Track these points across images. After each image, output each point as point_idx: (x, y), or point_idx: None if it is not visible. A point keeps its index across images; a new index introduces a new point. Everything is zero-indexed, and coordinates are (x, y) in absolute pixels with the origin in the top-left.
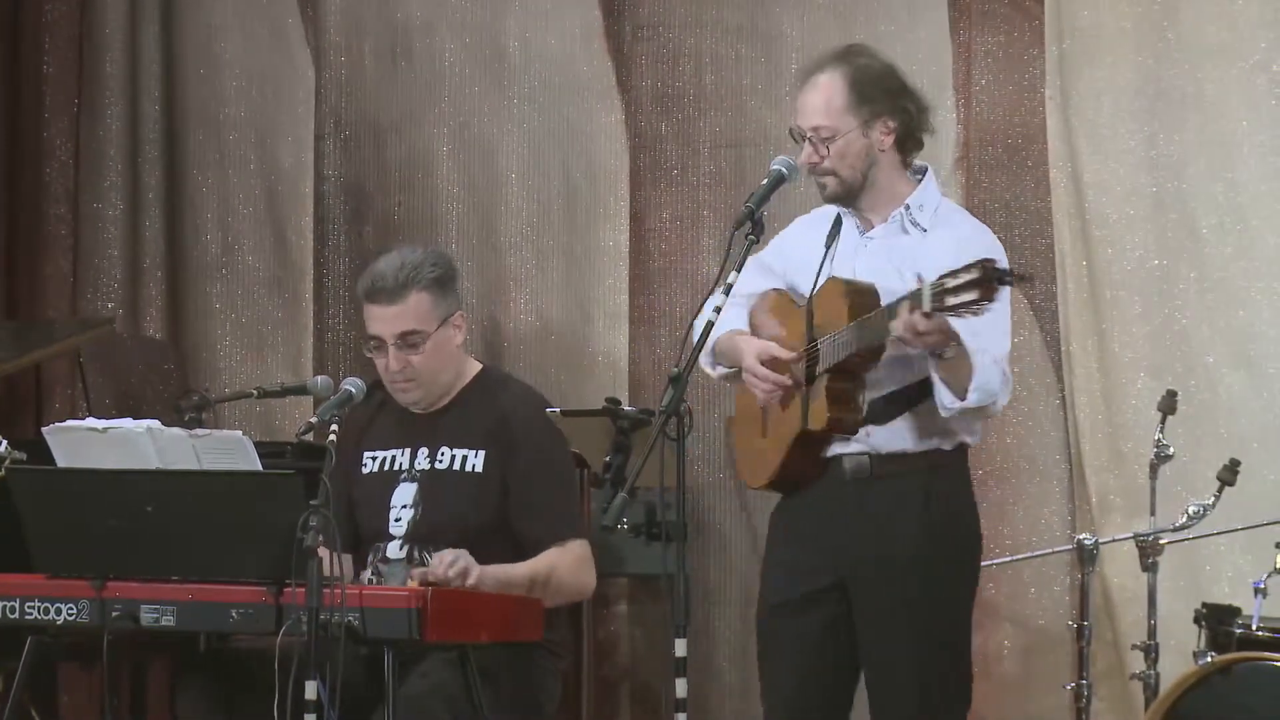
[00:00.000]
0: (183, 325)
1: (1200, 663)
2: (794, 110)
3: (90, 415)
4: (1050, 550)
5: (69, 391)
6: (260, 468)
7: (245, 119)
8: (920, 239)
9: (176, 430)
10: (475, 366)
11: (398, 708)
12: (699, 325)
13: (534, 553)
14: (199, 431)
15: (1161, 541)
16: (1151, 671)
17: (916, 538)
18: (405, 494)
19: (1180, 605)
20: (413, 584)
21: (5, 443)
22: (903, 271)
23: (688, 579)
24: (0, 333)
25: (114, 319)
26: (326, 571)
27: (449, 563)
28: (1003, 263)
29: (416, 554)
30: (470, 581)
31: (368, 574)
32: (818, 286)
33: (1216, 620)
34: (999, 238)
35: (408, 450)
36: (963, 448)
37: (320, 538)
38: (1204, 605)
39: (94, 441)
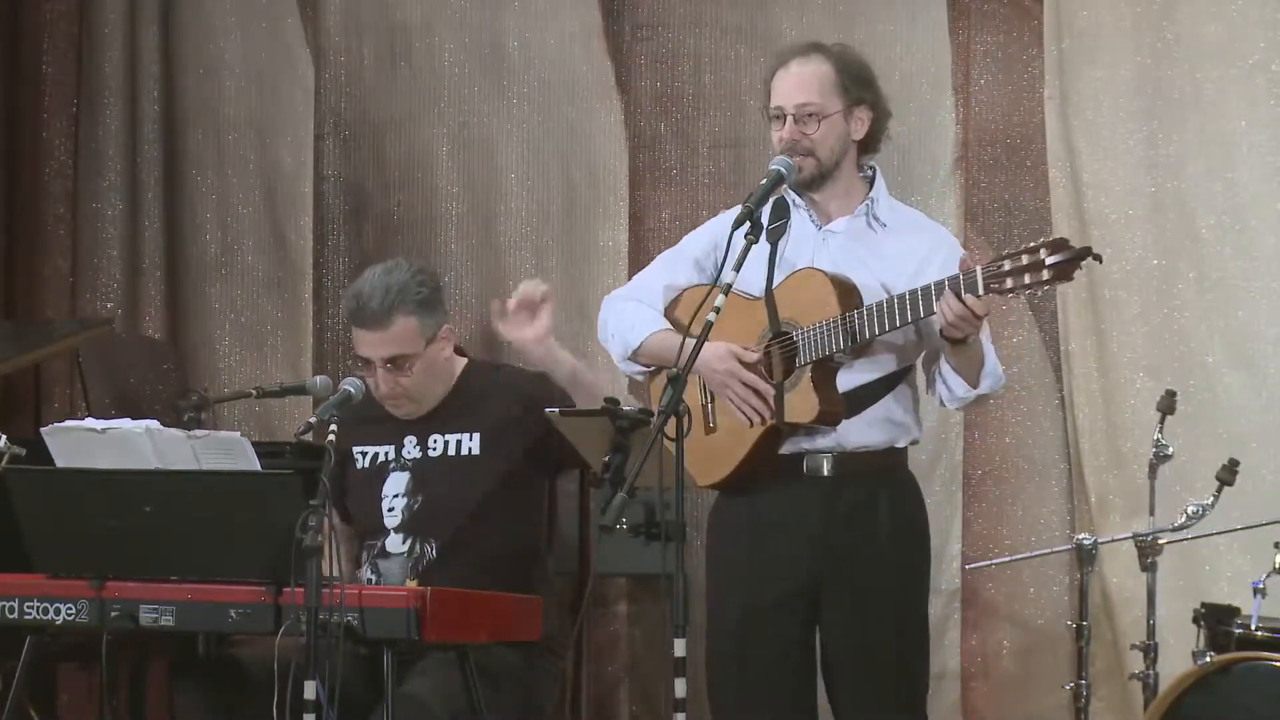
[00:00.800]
0: (182, 325)
1: (1199, 663)
2: (766, 92)
3: (89, 415)
4: (1049, 550)
5: (68, 392)
6: (259, 468)
7: (245, 119)
8: (883, 235)
9: (175, 430)
10: (461, 362)
11: (396, 708)
12: (698, 326)
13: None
14: (198, 432)
15: (1160, 541)
16: (1150, 671)
17: (886, 536)
18: (397, 483)
19: (1179, 605)
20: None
21: (4, 437)
22: (870, 267)
23: (687, 579)
24: None
25: (113, 319)
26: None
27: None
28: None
29: (419, 547)
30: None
31: (365, 573)
32: (779, 279)
33: (1215, 620)
34: (998, 238)
35: (394, 444)
36: (913, 444)
37: (319, 538)
38: (1203, 605)
39: (93, 442)
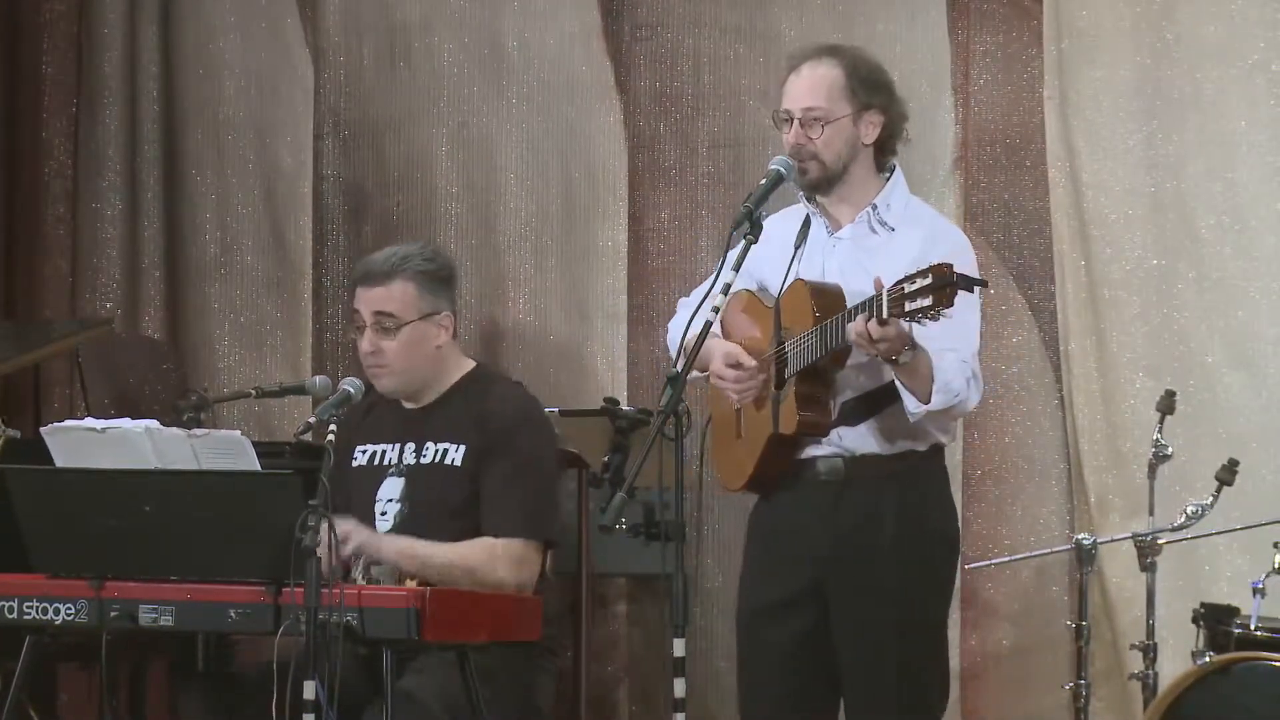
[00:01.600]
0: (181, 325)
1: (1199, 663)
2: (779, 95)
3: (89, 415)
4: (1049, 550)
5: (67, 391)
6: (259, 468)
7: (244, 119)
8: (888, 239)
9: (175, 430)
10: (468, 364)
11: (396, 707)
12: (697, 325)
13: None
14: (197, 431)
15: (1160, 541)
16: (1150, 671)
17: (891, 540)
18: (391, 488)
19: (1179, 605)
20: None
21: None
22: (871, 272)
23: (686, 579)
24: None
25: (112, 319)
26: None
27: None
28: (962, 266)
29: None
30: (350, 547)
31: (358, 575)
32: (784, 288)
33: (1215, 620)
34: (998, 238)
35: (397, 445)
36: (938, 448)
37: (319, 538)
38: (1202, 605)
39: (92, 441)
